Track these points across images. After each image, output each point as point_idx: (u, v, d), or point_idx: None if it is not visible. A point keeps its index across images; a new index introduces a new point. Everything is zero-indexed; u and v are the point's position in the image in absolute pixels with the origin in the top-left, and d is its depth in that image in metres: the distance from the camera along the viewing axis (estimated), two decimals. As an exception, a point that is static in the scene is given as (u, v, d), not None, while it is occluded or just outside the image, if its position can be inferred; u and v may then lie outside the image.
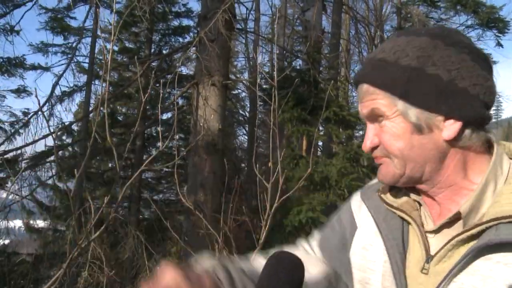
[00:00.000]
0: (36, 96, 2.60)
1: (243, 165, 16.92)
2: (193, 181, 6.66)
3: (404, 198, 1.10)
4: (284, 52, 13.99)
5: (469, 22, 14.00)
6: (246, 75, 18.29)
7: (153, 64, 9.94)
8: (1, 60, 9.49)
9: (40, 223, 11.10)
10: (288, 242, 6.60)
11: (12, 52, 10.11)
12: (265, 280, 1.00)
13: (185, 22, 12.56)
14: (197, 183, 6.58)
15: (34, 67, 10.23)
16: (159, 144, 3.24)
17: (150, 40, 11.98)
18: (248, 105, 18.45)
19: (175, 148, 7.01)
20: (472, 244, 0.93)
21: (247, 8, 12.10)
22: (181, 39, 12.27)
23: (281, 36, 14.49)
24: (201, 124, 6.63)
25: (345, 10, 13.34)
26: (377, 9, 16.78)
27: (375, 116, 1.02)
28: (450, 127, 0.96)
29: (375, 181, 1.21)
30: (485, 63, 0.99)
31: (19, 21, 9.40)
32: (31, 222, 10.67)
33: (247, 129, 18.70)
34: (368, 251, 1.15)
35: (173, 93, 11.84)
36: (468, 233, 0.93)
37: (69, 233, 7.24)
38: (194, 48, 7.13)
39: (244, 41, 18.07)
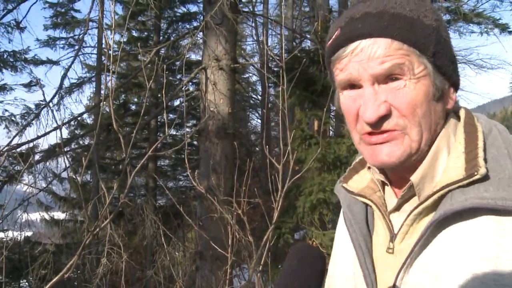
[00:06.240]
0: (41, 89, 2.60)
1: (257, 148, 16.97)
2: (205, 165, 6.68)
3: (365, 183, 1.06)
4: (293, 33, 13.88)
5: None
6: (256, 59, 18.21)
7: (162, 51, 9.93)
8: (6, 54, 9.51)
9: (59, 215, 11.28)
10: (303, 223, 6.60)
11: (22, 48, 10.02)
12: (288, 272, 1.01)
13: (192, 9, 12.54)
14: (209, 167, 6.60)
15: (42, 62, 10.30)
16: (170, 131, 3.24)
17: (158, 28, 11.98)
18: (260, 89, 18.44)
19: (187, 135, 7.02)
20: (432, 216, 0.88)
21: (253, -9, 12.02)
22: (188, 26, 12.26)
23: (290, 17, 14.36)
24: (211, 109, 6.63)
25: (352, -13, 13.13)
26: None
27: (390, 76, 0.87)
28: (452, 96, 0.94)
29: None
30: None
31: (26, 15, 9.39)
32: (49, 215, 10.85)
33: (260, 113, 18.73)
34: (336, 241, 1.17)
35: (183, 80, 11.87)
36: (423, 205, 0.89)
37: (85, 223, 7.36)
38: (201, 33, 7.09)
39: (253, 24, 17.99)
